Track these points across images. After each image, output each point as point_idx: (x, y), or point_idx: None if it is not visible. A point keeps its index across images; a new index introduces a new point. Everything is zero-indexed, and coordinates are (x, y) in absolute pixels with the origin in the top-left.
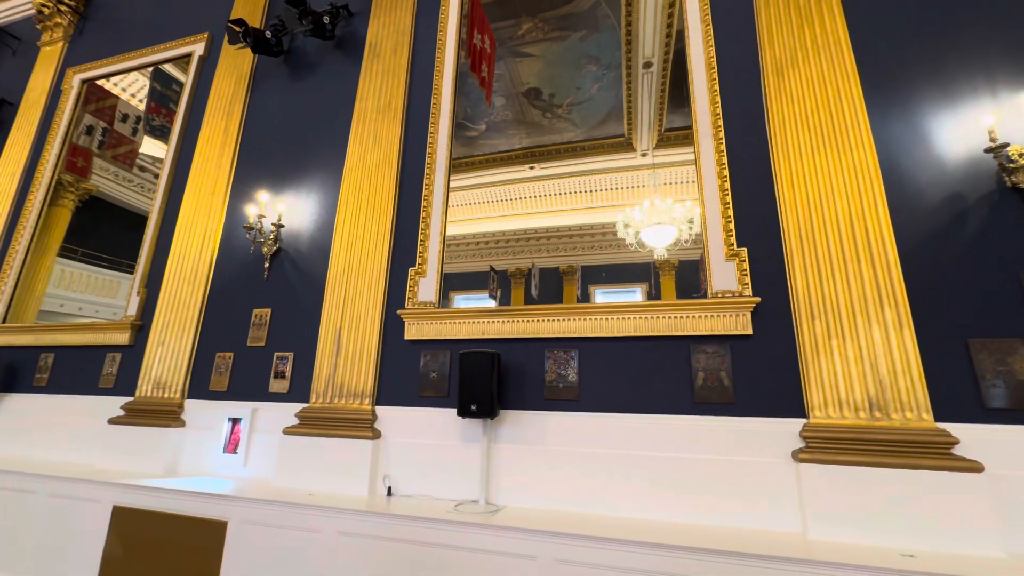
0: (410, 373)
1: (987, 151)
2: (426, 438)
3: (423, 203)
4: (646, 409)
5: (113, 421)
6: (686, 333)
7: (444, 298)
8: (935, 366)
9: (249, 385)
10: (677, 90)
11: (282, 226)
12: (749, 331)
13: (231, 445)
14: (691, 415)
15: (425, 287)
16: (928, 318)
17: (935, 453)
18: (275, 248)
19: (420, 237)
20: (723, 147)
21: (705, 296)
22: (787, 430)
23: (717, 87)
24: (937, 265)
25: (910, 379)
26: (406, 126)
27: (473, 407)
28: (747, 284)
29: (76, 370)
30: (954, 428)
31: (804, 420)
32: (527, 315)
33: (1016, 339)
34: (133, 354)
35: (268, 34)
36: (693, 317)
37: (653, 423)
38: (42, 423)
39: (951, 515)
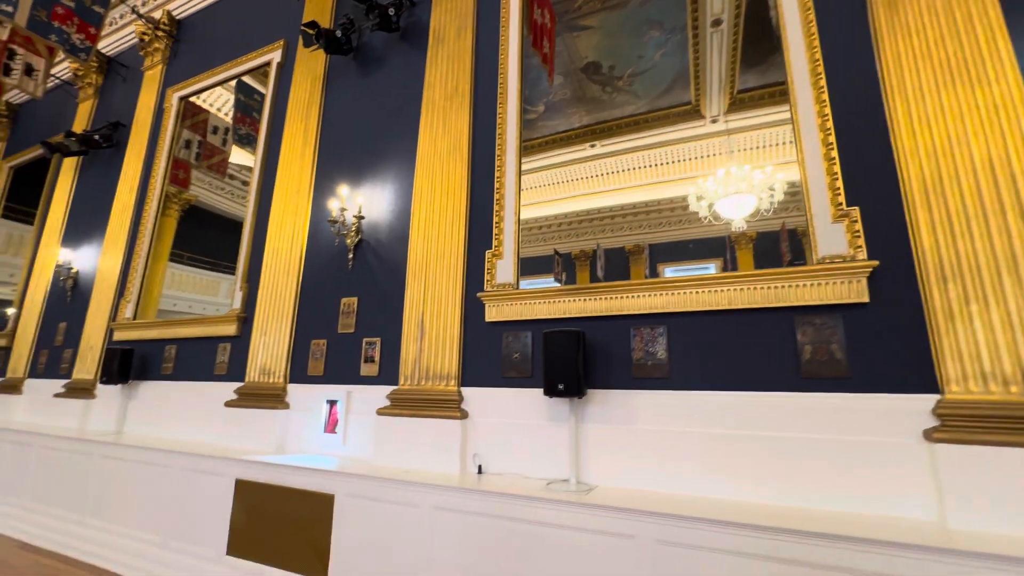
0: (492, 354)
1: None
2: (512, 418)
3: (496, 184)
4: (744, 386)
5: (229, 404)
6: (788, 304)
7: None
8: None
9: (342, 369)
10: (752, 47)
11: (362, 217)
12: (865, 299)
13: (330, 425)
14: (796, 392)
15: (503, 269)
16: None
17: None
18: (357, 239)
19: (495, 219)
20: (825, 97)
21: (806, 263)
22: (916, 407)
23: (815, 30)
24: None
25: None
26: (474, 109)
27: (560, 386)
28: (860, 247)
29: (194, 359)
30: None
31: (938, 396)
32: (610, 292)
33: None
34: (240, 344)
35: (338, 33)
36: (796, 287)
37: (752, 400)
38: (170, 406)
39: None
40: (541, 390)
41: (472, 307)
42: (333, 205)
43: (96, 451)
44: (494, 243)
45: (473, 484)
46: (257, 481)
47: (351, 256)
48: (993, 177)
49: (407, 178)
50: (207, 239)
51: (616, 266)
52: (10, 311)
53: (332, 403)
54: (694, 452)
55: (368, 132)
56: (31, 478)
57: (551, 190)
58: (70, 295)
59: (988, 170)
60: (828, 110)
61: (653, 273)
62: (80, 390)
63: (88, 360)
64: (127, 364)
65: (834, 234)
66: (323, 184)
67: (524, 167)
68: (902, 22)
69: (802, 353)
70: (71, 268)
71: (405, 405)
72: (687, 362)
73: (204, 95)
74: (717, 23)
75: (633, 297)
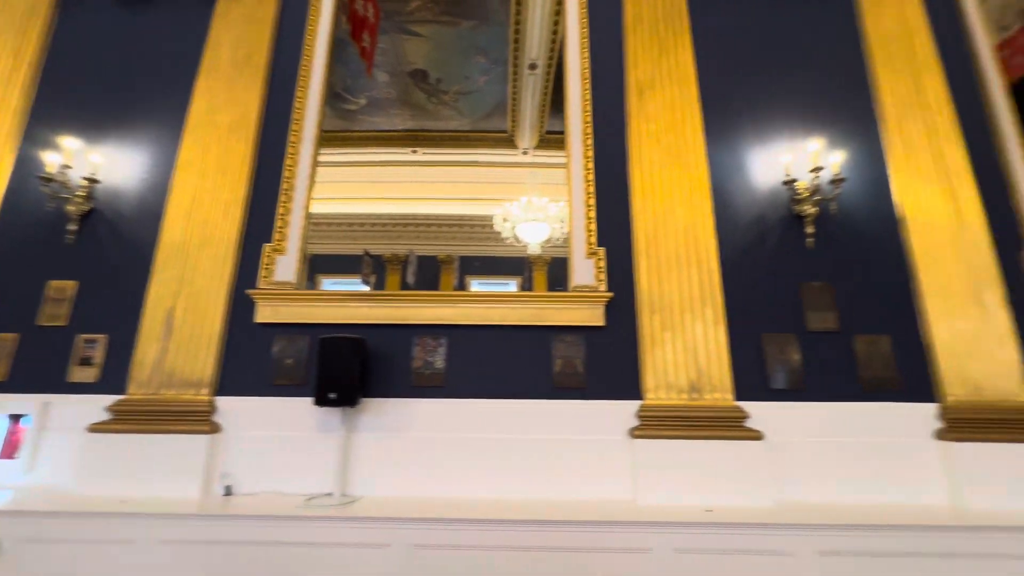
0: (261, 360)
1: (784, 183)
2: (277, 430)
3: (286, 174)
4: (510, 395)
5: None
6: (549, 323)
7: (311, 281)
8: (738, 355)
9: (40, 374)
10: (559, 95)
11: (97, 182)
12: (602, 323)
13: (8, 448)
14: (550, 399)
15: (284, 266)
16: (735, 315)
17: (733, 425)
18: (87, 208)
19: (280, 211)
20: (591, 153)
21: (566, 289)
22: (627, 411)
23: (589, 96)
24: (745, 272)
25: (720, 366)
26: (270, 87)
27: (332, 395)
28: (603, 280)
29: None
30: (747, 405)
31: (640, 401)
32: (397, 300)
33: (792, 334)
34: None
35: None
36: (555, 308)
37: (516, 407)
38: None
39: (738, 474)
40: (312, 399)
41: (241, 305)
42: (51, 159)
43: None
44: (276, 236)
45: (214, 509)
46: None
47: (73, 227)
48: (686, 239)
49: (170, 145)
50: None
51: (428, 274)
52: None
53: (15, 418)
54: (465, 456)
55: (120, 79)
56: None
57: (368, 188)
58: None
59: (683, 233)
60: (592, 164)
61: (461, 284)
62: None
63: None
64: None
65: (586, 267)
66: (38, 130)
67: (339, 159)
68: (645, 109)
69: (554, 366)
70: None
71: (134, 418)
72: (462, 372)
73: None
74: (533, 67)
75: (419, 307)
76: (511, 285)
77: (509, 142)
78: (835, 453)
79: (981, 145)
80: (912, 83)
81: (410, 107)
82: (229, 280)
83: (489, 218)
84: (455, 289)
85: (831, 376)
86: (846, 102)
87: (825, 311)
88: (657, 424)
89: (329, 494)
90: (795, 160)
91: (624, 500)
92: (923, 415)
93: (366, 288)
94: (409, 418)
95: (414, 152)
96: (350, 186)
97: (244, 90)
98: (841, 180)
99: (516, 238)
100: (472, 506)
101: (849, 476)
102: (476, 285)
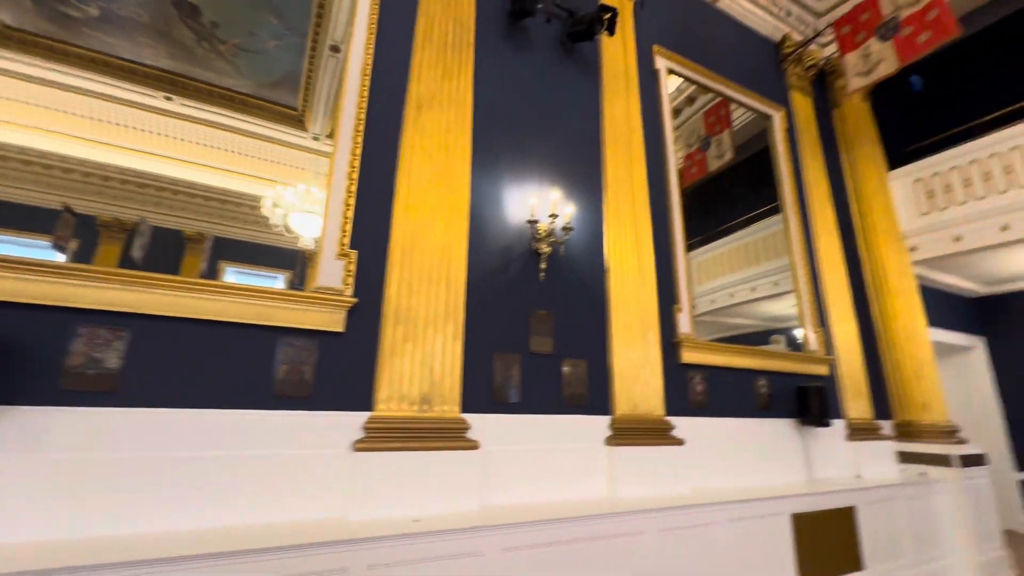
0: None
1: (528, 222)
2: None
3: None
4: (217, 404)
5: None
6: (278, 324)
7: None
8: (470, 370)
9: None
10: None
11: None
12: (341, 328)
13: None
14: (269, 410)
15: None
16: (473, 334)
17: (456, 436)
18: None
19: None
20: (359, 151)
21: (303, 289)
22: (354, 423)
23: (367, 94)
24: (487, 295)
25: (453, 380)
26: None
27: None
28: (350, 284)
29: None
30: (471, 417)
31: (370, 413)
32: (54, 274)
33: (518, 354)
34: None
35: None
36: (290, 308)
37: (224, 419)
38: None
39: (454, 482)
40: None
41: None
42: None
43: None
44: None
45: None
46: None
47: None
48: (440, 257)
49: None
50: None
51: (166, 251)
52: None
53: None
54: (146, 481)
55: None
56: None
57: (95, 127)
58: None
59: (439, 251)
60: (358, 163)
61: (212, 270)
62: None
63: None
64: None
65: (334, 269)
66: None
67: (47, 75)
68: (421, 124)
69: (278, 372)
70: None
71: None
72: (150, 374)
73: None
74: (336, 49)
75: (91, 287)
76: (279, 279)
77: (298, 122)
78: (537, 458)
79: (661, 225)
80: (626, 166)
81: (170, 43)
82: None
83: (259, 199)
84: (203, 274)
85: (544, 392)
86: (583, 166)
87: (545, 336)
88: (384, 436)
89: None
90: (539, 204)
91: (336, 518)
92: (602, 425)
93: (61, 256)
94: (52, 432)
95: (168, 99)
96: (62, 117)
97: None
98: (570, 229)
99: (287, 228)
100: (154, 544)
101: (545, 478)
102: (232, 273)
